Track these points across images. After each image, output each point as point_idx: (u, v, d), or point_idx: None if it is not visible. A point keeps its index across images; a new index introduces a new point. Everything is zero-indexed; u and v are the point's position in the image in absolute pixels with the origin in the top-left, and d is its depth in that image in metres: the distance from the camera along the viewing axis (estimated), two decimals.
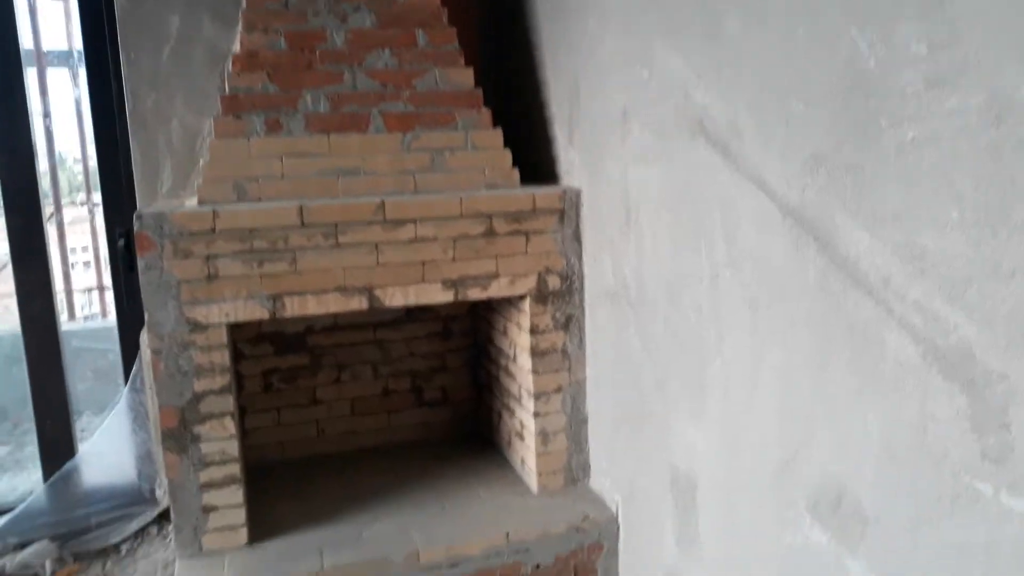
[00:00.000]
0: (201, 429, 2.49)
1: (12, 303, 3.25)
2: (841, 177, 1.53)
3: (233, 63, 2.63)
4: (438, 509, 2.82)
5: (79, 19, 3.14)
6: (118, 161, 3.20)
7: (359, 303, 2.58)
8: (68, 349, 3.52)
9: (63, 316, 4.91)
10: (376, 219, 2.54)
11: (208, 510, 2.54)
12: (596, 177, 2.62)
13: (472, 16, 3.36)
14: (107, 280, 4.34)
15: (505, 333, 3.06)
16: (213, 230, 2.41)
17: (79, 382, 4.79)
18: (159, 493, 3.48)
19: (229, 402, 2.51)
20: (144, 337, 3.33)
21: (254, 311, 2.48)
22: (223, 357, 2.47)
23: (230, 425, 2.52)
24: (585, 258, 2.76)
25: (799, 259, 1.68)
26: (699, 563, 2.22)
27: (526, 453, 2.97)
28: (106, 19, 3.09)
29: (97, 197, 4.49)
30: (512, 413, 3.08)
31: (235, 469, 2.54)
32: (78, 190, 7.19)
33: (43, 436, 3.31)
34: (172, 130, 3.07)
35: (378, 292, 2.60)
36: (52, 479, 3.26)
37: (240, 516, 2.57)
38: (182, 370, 2.45)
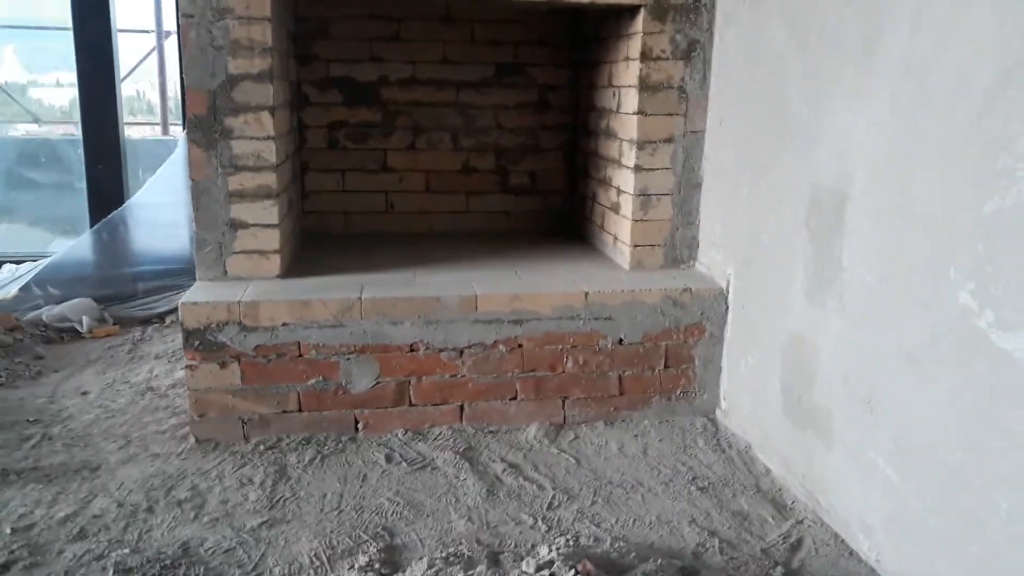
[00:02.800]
0: (234, 122, 2.08)
1: None
2: None
3: None
4: (510, 273, 2.33)
5: None
6: None
7: None
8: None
9: None
10: None
11: (236, 226, 2.14)
12: None
13: None
14: None
15: (610, 81, 2.50)
16: None
17: None
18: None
19: (269, 93, 2.08)
20: None
21: None
22: (265, 33, 2.04)
23: (268, 123, 2.09)
24: None
25: None
26: (837, 312, 1.64)
27: (620, 227, 2.42)
28: None
29: None
30: (608, 183, 2.53)
31: (270, 179, 2.13)
32: None
33: (93, 185, 3.02)
34: None
35: None
36: (96, 226, 2.98)
37: (273, 239, 2.17)
38: (216, 43, 2.03)
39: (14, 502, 1.75)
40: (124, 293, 3.05)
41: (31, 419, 2.20)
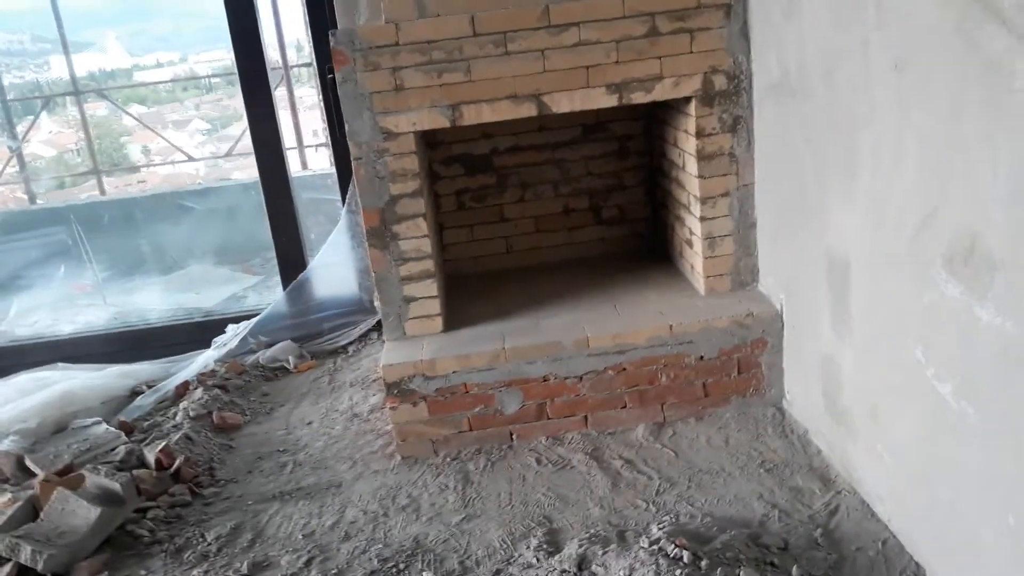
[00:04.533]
0: (399, 228, 2.85)
1: None
2: None
3: None
4: (609, 308, 3.03)
5: None
6: (324, 10, 3.54)
7: (528, 109, 2.76)
8: (300, 201, 4.06)
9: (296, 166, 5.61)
10: (541, 24, 2.67)
11: (408, 300, 2.93)
12: None
13: None
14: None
15: (675, 143, 3.12)
16: (396, 43, 2.67)
17: (313, 228, 5.50)
18: (376, 304, 4.00)
19: (421, 204, 2.83)
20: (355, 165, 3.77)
21: (436, 119, 2.75)
22: (413, 163, 2.78)
23: (423, 225, 2.86)
24: (753, 54, 2.73)
25: (939, 5, 1.62)
26: (851, 345, 2.27)
27: (694, 259, 3.08)
28: None
29: None
30: (682, 222, 3.18)
31: (429, 265, 2.90)
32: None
33: (280, 253, 3.90)
34: None
35: (545, 98, 2.76)
36: (289, 287, 3.86)
37: (435, 307, 2.95)
38: (379, 175, 2.79)
39: (296, 516, 2.63)
40: (314, 332, 3.92)
41: (280, 449, 3.09)
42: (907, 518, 2.10)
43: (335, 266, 3.94)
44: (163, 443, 2.95)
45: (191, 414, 3.27)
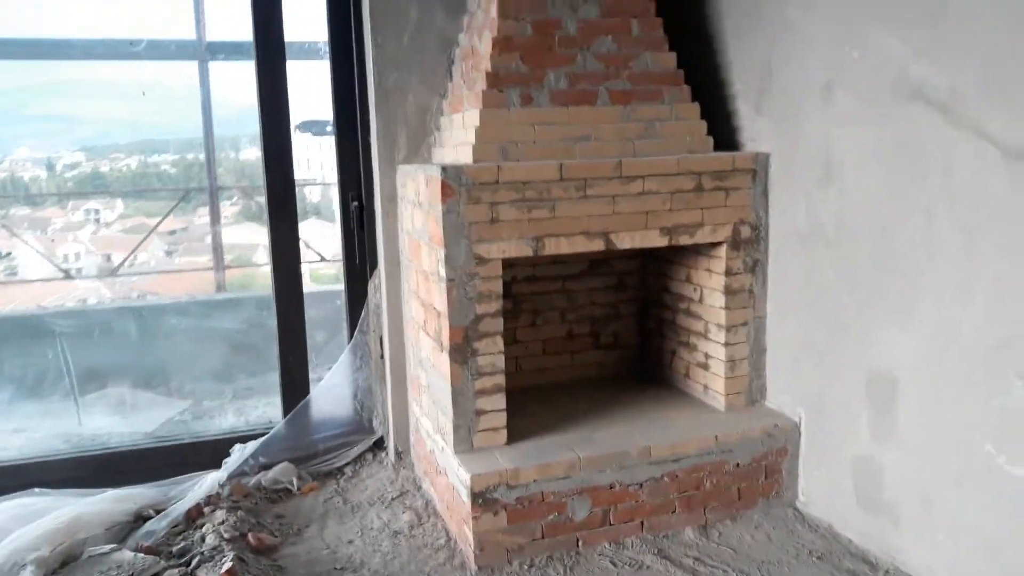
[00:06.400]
0: (479, 345, 3.07)
1: None
2: None
3: (493, 46, 3.20)
4: (646, 423, 3.39)
5: (326, 12, 3.73)
6: (356, 136, 3.79)
7: (598, 245, 3.17)
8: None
9: None
10: (615, 175, 3.13)
11: (480, 413, 3.11)
12: (789, 140, 3.20)
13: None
14: None
15: (688, 280, 3.65)
16: (496, 182, 2.99)
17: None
18: (375, 424, 4.06)
19: (500, 323, 3.09)
20: (372, 285, 3.92)
21: (522, 249, 3.07)
22: (498, 286, 3.06)
23: (500, 342, 3.10)
24: (771, 211, 3.35)
25: (1016, 186, 2.27)
26: (896, 443, 2.80)
27: (710, 380, 3.55)
28: (352, 11, 3.68)
29: None
30: (693, 348, 3.66)
31: (501, 379, 3.12)
32: None
33: (285, 371, 3.88)
34: (408, 105, 3.64)
35: (612, 236, 3.18)
36: (291, 415, 3.83)
37: (502, 419, 3.15)
38: (468, 296, 3.03)
39: None
40: (311, 453, 3.88)
41: (338, 567, 3.05)
42: None
43: (334, 387, 3.97)
44: (227, 563, 2.82)
45: (225, 536, 3.13)
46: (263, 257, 7.18)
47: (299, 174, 3.85)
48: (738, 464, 3.26)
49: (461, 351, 3.06)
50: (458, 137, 3.34)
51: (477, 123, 3.13)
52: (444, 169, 2.94)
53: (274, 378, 4.05)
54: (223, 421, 4.87)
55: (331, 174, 4.19)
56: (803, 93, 3.10)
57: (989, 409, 2.44)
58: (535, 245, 3.09)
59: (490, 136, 3.13)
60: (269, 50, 3.67)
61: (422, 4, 3.60)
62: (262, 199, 3.82)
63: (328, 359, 4.26)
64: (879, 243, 2.81)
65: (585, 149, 3.25)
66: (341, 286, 4.06)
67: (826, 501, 3.21)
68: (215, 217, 6.24)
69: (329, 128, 4.12)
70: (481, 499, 2.93)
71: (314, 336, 4.28)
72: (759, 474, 3.30)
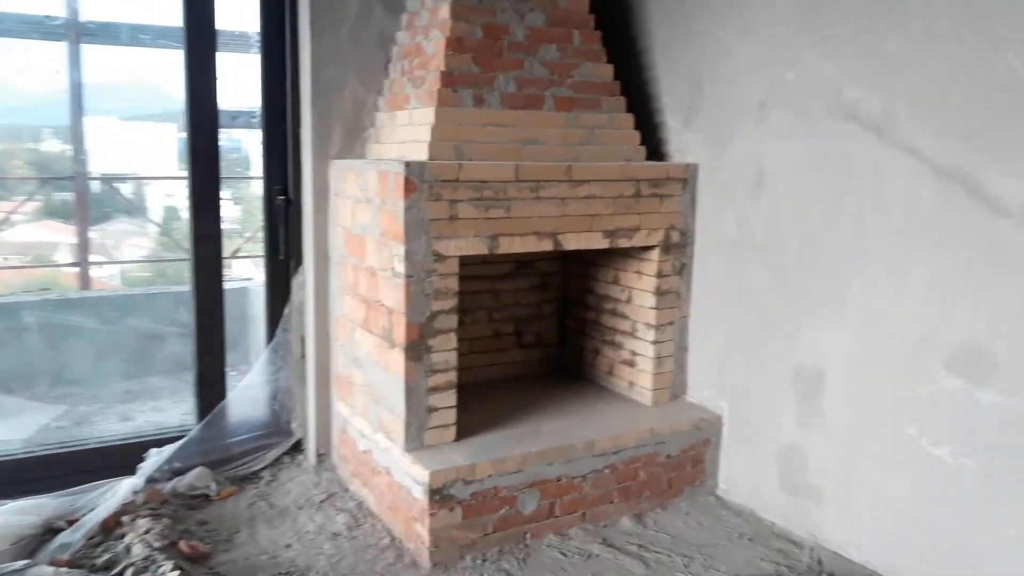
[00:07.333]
0: (434, 342, 3.06)
1: None
2: (989, 147, 2.45)
3: (447, 46, 3.21)
4: (582, 418, 3.51)
5: (259, 2, 3.58)
6: (284, 130, 3.66)
7: (547, 245, 3.25)
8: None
9: None
10: (565, 179, 3.23)
11: (431, 410, 3.10)
12: (719, 153, 3.44)
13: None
14: None
15: (616, 281, 3.81)
16: (457, 180, 3.01)
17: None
18: (294, 426, 3.91)
19: (454, 320, 3.10)
20: (295, 283, 3.79)
21: (478, 247, 3.10)
22: (454, 283, 3.07)
23: (453, 339, 3.11)
24: (698, 218, 3.58)
25: (945, 200, 2.59)
26: (822, 431, 3.09)
27: (636, 376, 3.73)
28: (288, 2, 3.56)
29: None
30: (618, 346, 3.83)
31: (453, 376, 3.13)
32: None
33: (201, 371, 3.67)
34: (344, 100, 3.57)
35: (560, 237, 3.28)
36: (208, 418, 3.63)
37: (453, 416, 3.16)
38: (425, 292, 3.02)
39: None
40: (225, 457, 3.69)
41: (284, 572, 2.93)
42: (889, 556, 2.90)
43: (254, 387, 3.80)
44: (170, 573, 2.64)
45: (155, 545, 2.92)
46: (65, 257, 6.71)
47: (106, 167, 3.67)
48: (669, 455, 3.45)
49: (416, 348, 3.04)
50: (404, 134, 3.32)
51: (432, 121, 3.14)
52: (408, 165, 2.93)
53: (155, 381, 3.84)
54: (107, 426, 4.52)
55: (160, 168, 4.01)
56: (736, 111, 3.34)
57: (914, 397, 2.76)
58: (491, 243, 3.13)
59: (445, 134, 3.14)
60: (200, 39, 3.48)
61: None
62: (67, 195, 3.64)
63: (162, 369, 4.08)
64: (809, 248, 3.09)
65: (532, 152, 3.33)
66: (171, 288, 3.91)
67: (749, 488, 3.46)
68: None
69: (238, 119, 3.96)
70: (438, 495, 2.92)
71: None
72: (687, 464, 3.50)
